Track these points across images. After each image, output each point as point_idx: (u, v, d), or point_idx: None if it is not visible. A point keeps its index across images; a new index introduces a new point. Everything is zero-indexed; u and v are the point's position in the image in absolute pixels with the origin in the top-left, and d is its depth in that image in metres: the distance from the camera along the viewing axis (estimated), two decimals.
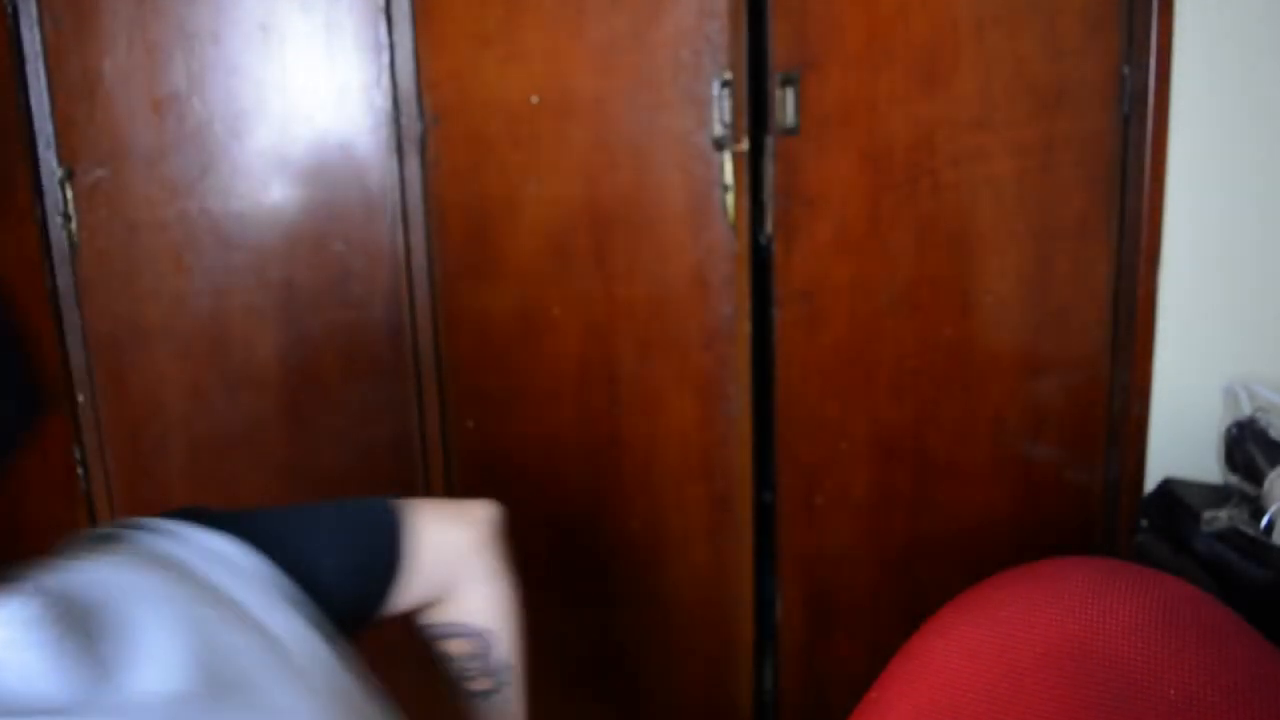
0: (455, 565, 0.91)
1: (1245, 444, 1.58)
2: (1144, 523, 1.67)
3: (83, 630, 0.59)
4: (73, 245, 1.56)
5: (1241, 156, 1.61)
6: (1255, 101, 1.60)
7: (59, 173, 1.54)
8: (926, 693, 0.91)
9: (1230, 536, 1.47)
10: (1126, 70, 1.59)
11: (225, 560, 0.72)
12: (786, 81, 1.56)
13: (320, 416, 1.70)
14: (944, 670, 0.91)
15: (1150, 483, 1.69)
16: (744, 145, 1.57)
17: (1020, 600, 0.92)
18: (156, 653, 0.61)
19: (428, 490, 1.72)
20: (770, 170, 1.60)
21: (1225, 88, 1.60)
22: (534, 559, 1.76)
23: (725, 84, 1.55)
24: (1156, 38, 1.57)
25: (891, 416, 1.69)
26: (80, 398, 1.60)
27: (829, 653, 1.77)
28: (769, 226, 1.62)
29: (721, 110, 1.56)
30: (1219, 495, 1.59)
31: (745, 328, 1.64)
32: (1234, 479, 1.58)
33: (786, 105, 1.57)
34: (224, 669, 0.63)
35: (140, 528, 0.74)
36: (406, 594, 0.88)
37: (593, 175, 1.61)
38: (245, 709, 0.62)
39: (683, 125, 1.58)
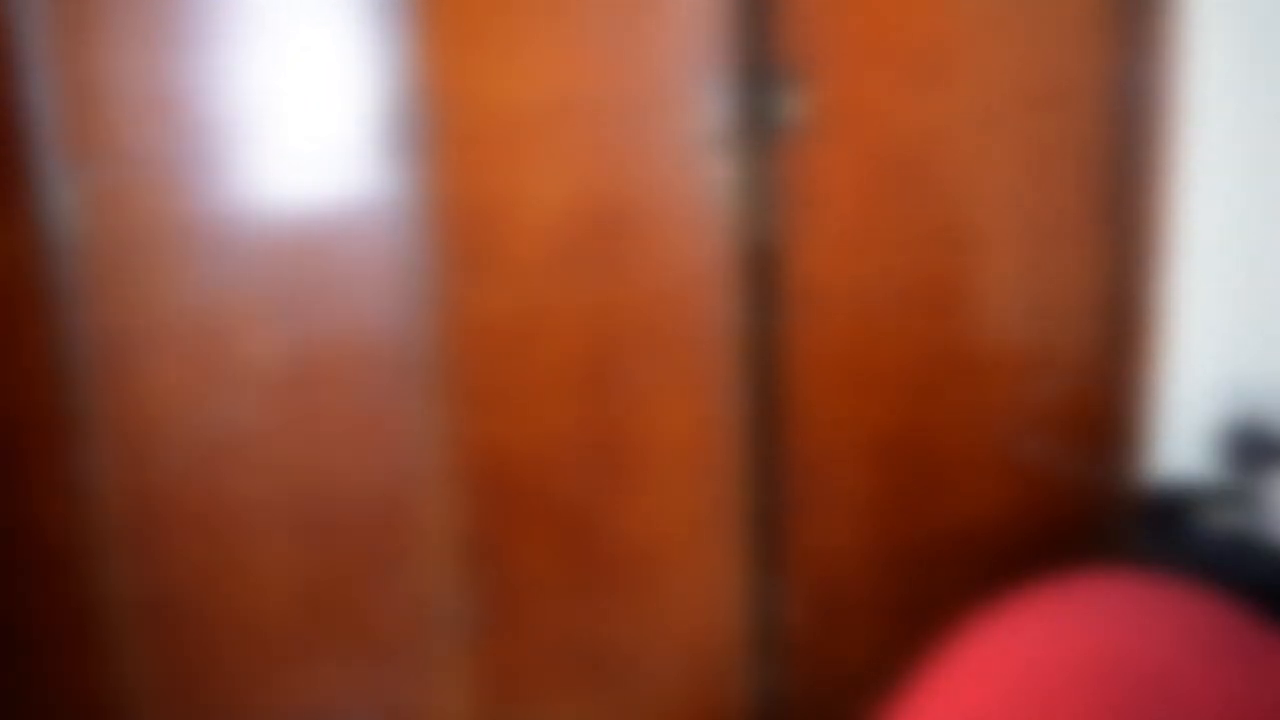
0: None
1: (1245, 444, 1.58)
2: (1143, 522, 1.67)
3: None
4: (73, 245, 1.56)
5: (1242, 156, 1.61)
6: (1257, 100, 1.60)
7: (59, 173, 1.54)
8: (956, 699, 0.91)
9: (1230, 536, 1.47)
10: (1126, 70, 1.59)
11: None
12: (786, 81, 1.56)
13: (320, 416, 1.70)
14: (975, 678, 0.91)
15: (1150, 482, 1.69)
16: (744, 145, 1.57)
17: (1059, 610, 0.92)
18: None
19: (428, 489, 1.72)
20: (770, 170, 1.60)
21: (1228, 86, 1.60)
22: (533, 558, 1.76)
23: (725, 84, 1.55)
24: (1157, 37, 1.57)
25: (891, 416, 1.69)
26: (80, 398, 1.60)
27: (829, 652, 1.77)
28: (769, 226, 1.62)
29: (721, 111, 1.56)
30: (1219, 495, 1.59)
31: (745, 328, 1.64)
32: (1234, 479, 1.58)
33: (786, 105, 1.57)
34: None
35: None
36: None
37: (592, 175, 1.61)
38: None
39: (683, 125, 1.58)
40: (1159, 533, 1.62)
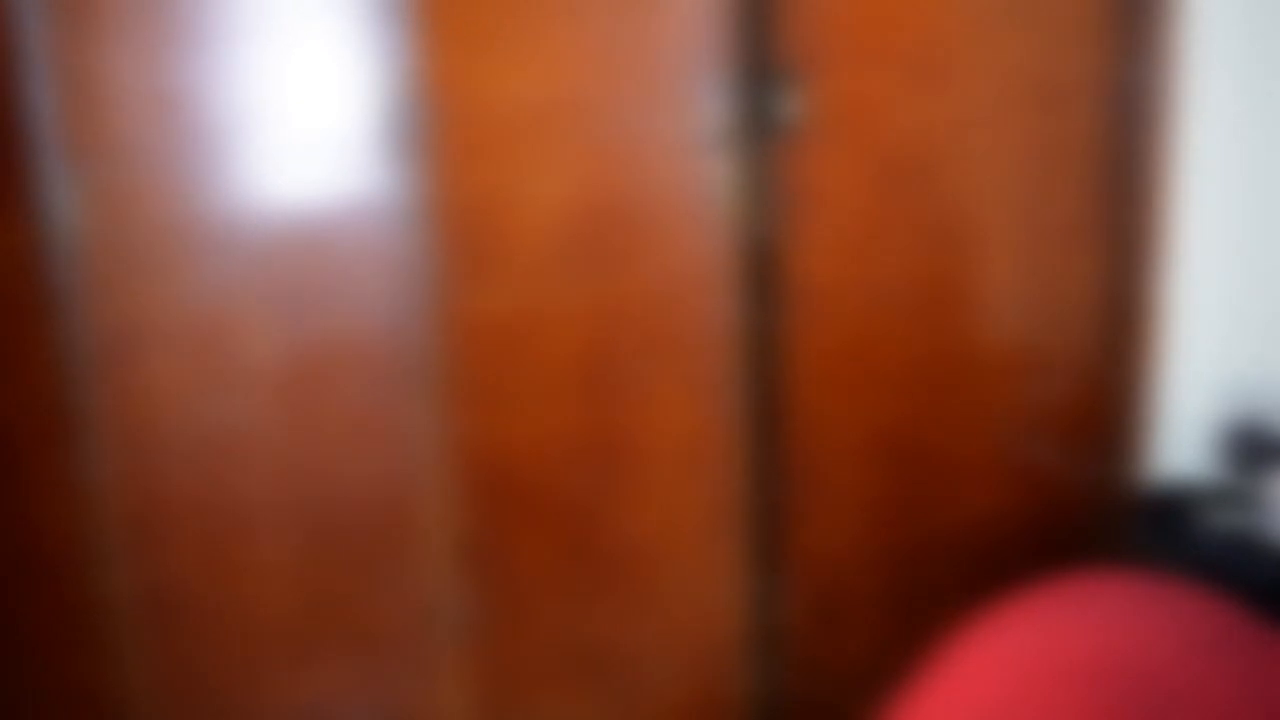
0: None
1: (1245, 444, 1.58)
2: (1143, 522, 1.67)
3: None
4: (73, 245, 1.56)
5: (1242, 156, 1.61)
6: (1257, 100, 1.60)
7: (59, 173, 1.54)
8: (956, 699, 0.91)
9: (1230, 536, 1.47)
10: (1126, 69, 1.59)
11: None
12: (786, 81, 1.56)
13: (320, 416, 1.70)
14: (975, 678, 0.91)
15: (1150, 482, 1.69)
16: (744, 145, 1.57)
17: (1059, 610, 0.91)
18: None
19: (427, 489, 1.72)
20: (770, 170, 1.60)
21: (1228, 86, 1.60)
22: (533, 558, 1.76)
23: (725, 84, 1.55)
24: (1157, 37, 1.57)
25: (891, 416, 1.69)
26: (79, 398, 1.60)
27: (829, 652, 1.77)
28: (769, 226, 1.62)
29: (721, 110, 1.56)
30: (1219, 495, 1.59)
31: (745, 328, 1.64)
32: (1234, 479, 1.58)
33: (786, 105, 1.57)
34: None
35: None
36: None
37: (592, 175, 1.61)
38: None
39: (682, 125, 1.58)
40: (1159, 533, 1.62)
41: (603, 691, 1.80)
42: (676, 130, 1.58)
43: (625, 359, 1.67)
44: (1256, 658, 0.82)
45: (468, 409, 1.70)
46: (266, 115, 1.59)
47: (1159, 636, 0.84)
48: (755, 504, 1.71)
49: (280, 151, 1.60)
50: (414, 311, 1.66)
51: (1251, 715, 0.77)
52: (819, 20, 1.55)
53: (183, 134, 1.57)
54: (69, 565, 1.65)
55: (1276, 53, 1.59)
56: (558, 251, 1.63)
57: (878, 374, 1.68)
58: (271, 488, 1.72)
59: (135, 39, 1.53)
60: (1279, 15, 1.58)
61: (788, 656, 1.77)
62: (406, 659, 1.79)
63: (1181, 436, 1.70)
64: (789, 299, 1.64)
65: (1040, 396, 1.70)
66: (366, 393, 1.70)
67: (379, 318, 1.66)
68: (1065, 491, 1.73)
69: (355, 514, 1.74)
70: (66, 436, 1.61)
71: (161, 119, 1.56)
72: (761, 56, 1.57)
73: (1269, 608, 1.28)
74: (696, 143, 1.58)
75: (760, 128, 1.59)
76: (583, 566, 1.75)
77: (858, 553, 1.74)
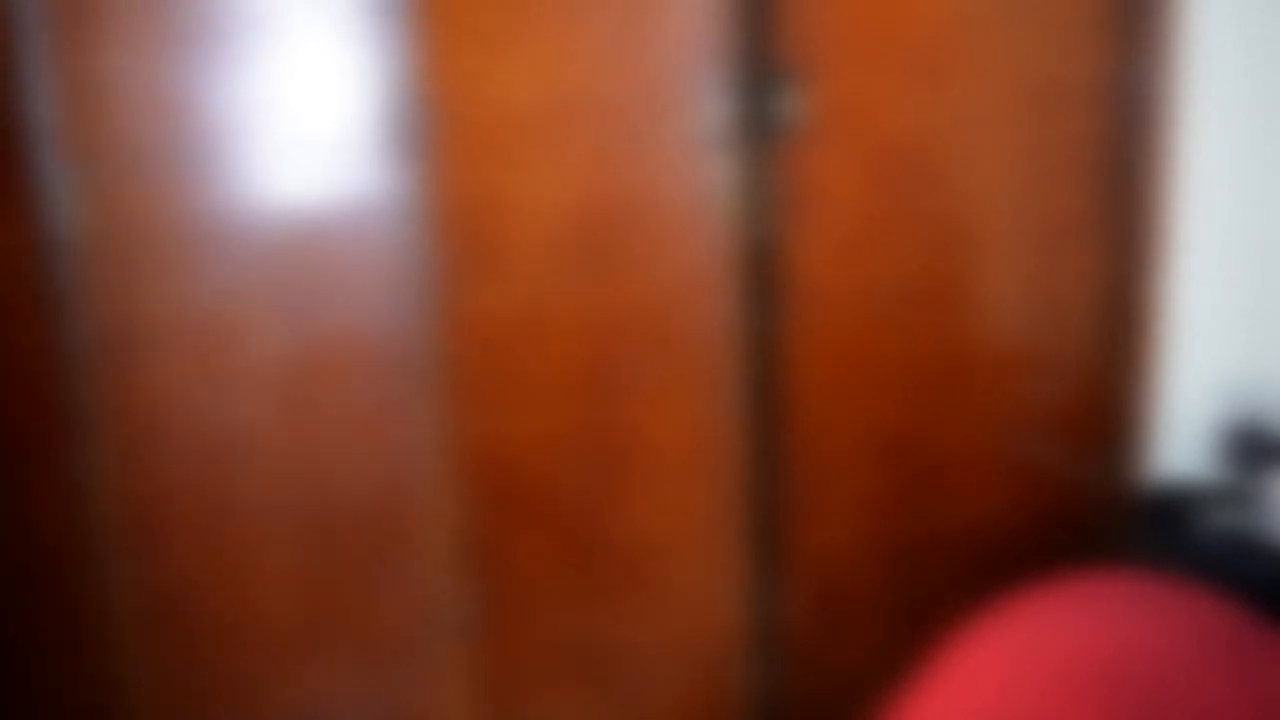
0: None
1: (1245, 444, 1.58)
2: (1143, 522, 1.67)
3: None
4: (73, 245, 1.56)
5: (1243, 156, 1.61)
6: (1261, 99, 1.60)
7: (59, 173, 1.54)
8: (956, 699, 0.91)
9: (1230, 536, 1.48)
10: (1126, 70, 1.59)
11: None
12: (786, 81, 1.56)
13: (320, 416, 1.70)
14: (975, 678, 0.91)
15: (1150, 482, 1.70)
16: (744, 145, 1.57)
17: (1059, 610, 0.92)
18: None
19: (428, 489, 1.72)
20: (770, 170, 1.60)
21: (1232, 86, 1.60)
22: (533, 557, 1.76)
23: (725, 84, 1.55)
24: (1157, 37, 1.57)
25: (891, 416, 1.69)
26: (80, 398, 1.60)
27: (829, 652, 1.77)
28: (769, 226, 1.62)
29: (721, 110, 1.56)
30: (1219, 495, 1.59)
31: (745, 328, 1.64)
32: (1234, 479, 1.58)
33: (786, 105, 1.57)
34: None
35: None
36: None
37: (593, 175, 1.61)
38: None
39: (682, 125, 1.58)
40: (1159, 533, 1.62)
41: (603, 691, 1.80)
42: (677, 130, 1.58)
43: (625, 358, 1.67)
44: (1256, 657, 0.83)
45: (469, 408, 1.70)
46: (267, 115, 1.59)
47: (1158, 636, 0.84)
48: (755, 504, 1.71)
49: (281, 152, 1.60)
50: (415, 311, 1.66)
51: (1251, 715, 0.77)
52: (819, 20, 1.55)
53: (184, 134, 1.57)
54: (69, 565, 1.65)
55: (1276, 53, 1.59)
56: (558, 251, 1.63)
57: (878, 374, 1.68)
58: (272, 487, 1.72)
59: (136, 39, 1.53)
60: (1279, 15, 1.58)
61: (788, 656, 1.77)
62: (406, 659, 1.79)
63: (1181, 436, 1.70)
64: (789, 299, 1.64)
65: (1040, 396, 1.70)
66: (367, 392, 1.70)
67: (380, 317, 1.66)
68: (1065, 491, 1.73)
69: (356, 513, 1.74)
70: (67, 436, 1.61)
71: (162, 119, 1.56)
72: (761, 57, 1.57)
73: (1269, 608, 1.28)
74: (697, 143, 1.58)
75: (760, 128, 1.59)
76: (583, 566, 1.75)
77: (858, 552, 1.74)
